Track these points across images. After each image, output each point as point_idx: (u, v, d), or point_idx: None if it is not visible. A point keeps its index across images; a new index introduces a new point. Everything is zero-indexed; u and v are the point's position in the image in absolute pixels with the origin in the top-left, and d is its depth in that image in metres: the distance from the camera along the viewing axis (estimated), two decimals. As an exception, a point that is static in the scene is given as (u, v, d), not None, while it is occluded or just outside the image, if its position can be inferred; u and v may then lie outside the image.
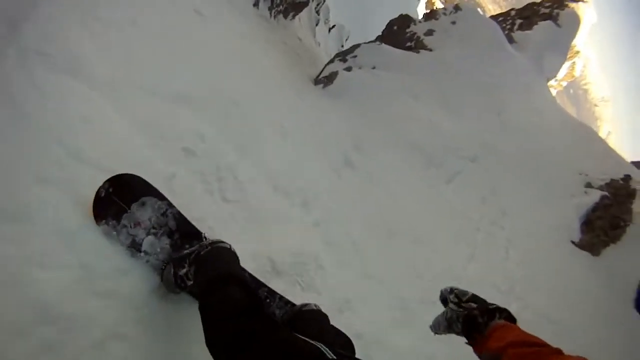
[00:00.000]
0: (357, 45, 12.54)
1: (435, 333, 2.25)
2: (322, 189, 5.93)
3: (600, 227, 9.62)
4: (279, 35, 13.43)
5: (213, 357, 1.98)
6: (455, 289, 2.17)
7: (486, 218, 8.32)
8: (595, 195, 10.10)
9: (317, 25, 20.06)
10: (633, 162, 12.84)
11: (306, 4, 16.26)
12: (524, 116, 11.68)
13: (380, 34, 14.53)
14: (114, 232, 2.55)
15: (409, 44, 13.14)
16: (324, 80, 11.07)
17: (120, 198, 2.59)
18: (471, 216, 8.18)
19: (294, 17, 16.05)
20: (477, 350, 1.92)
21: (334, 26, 25.12)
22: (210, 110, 4.81)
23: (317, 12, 19.80)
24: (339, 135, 8.16)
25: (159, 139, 3.62)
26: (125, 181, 2.63)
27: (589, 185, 10.47)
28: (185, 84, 4.65)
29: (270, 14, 14.05)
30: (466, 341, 2.03)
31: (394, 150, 8.68)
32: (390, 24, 14.51)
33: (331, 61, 12.38)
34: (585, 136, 12.46)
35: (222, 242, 2.64)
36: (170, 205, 2.79)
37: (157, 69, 4.41)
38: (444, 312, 2.20)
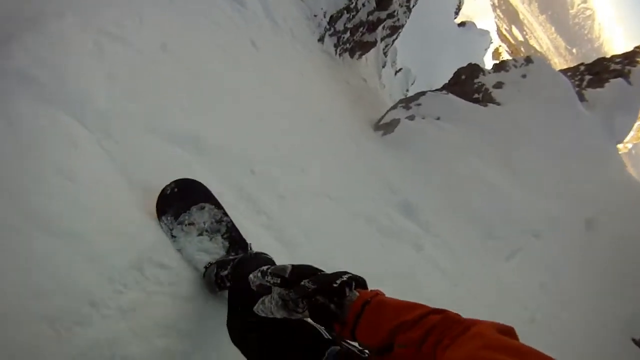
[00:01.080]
0: (423, 93, 11.72)
1: (267, 316, 1.71)
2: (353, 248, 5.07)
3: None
4: (342, 74, 12.87)
5: (231, 337, 2.13)
6: (267, 269, 1.72)
7: (543, 309, 7.19)
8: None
9: (383, 67, 19.36)
10: None
11: (374, 45, 15.53)
12: (594, 189, 10.40)
13: (446, 82, 13.62)
14: (170, 228, 2.75)
15: (476, 95, 12.08)
16: (385, 127, 10.30)
17: (182, 198, 2.82)
18: (527, 305, 7.06)
19: (360, 56, 15.39)
20: (346, 338, 1.58)
21: (400, 69, 24.38)
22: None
23: (385, 54, 19.09)
24: (390, 190, 7.47)
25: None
26: (189, 184, 2.88)
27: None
28: (211, 132, 4.15)
29: (336, 51, 13.37)
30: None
31: (450, 216, 7.77)
32: (458, 72, 13.55)
33: (394, 107, 11.60)
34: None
35: (266, 254, 2.63)
36: (225, 214, 2.95)
37: (186, 111, 4.00)
38: (272, 299, 1.68)
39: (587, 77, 16.19)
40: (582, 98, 14.04)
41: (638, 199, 11.05)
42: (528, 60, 13.08)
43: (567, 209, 9.24)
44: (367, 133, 9.94)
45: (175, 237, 2.74)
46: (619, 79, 15.65)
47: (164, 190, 2.73)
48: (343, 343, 1.81)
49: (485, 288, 6.75)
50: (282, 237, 3.87)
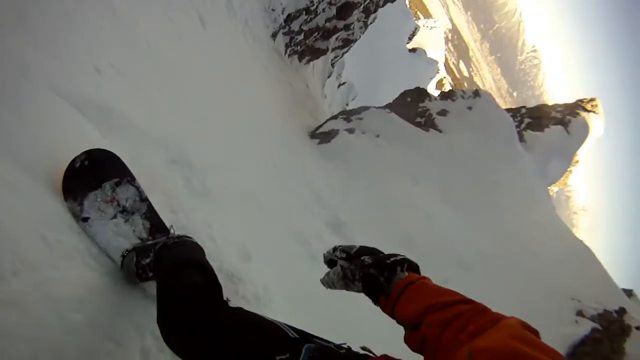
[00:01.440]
0: (366, 108, 11.36)
1: (328, 288, 1.81)
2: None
3: (588, 365, 8.00)
4: (288, 76, 12.44)
5: (165, 339, 1.91)
6: (339, 246, 1.80)
7: None
8: (585, 327, 8.45)
9: (328, 77, 19.08)
10: (623, 290, 11.31)
11: (324, 53, 15.18)
12: (524, 226, 10.20)
13: (390, 101, 13.19)
14: (79, 209, 2.30)
15: (419, 119, 11.82)
16: (322, 136, 9.77)
17: (94, 173, 2.40)
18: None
19: (308, 62, 15.00)
20: (387, 313, 1.56)
21: (344, 83, 24.23)
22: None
23: (332, 65, 18.84)
24: (320, 203, 7.01)
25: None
26: (103, 156, 2.47)
27: (580, 313, 8.86)
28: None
29: (286, 51, 12.89)
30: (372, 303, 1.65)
31: (379, 237, 7.21)
32: (404, 94, 13.36)
33: (334, 117, 11.20)
34: (583, 257, 10.78)
35: (189, 236, 2.47)
36: (143, 192, 2.60)
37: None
38: (335, 270, 1.76)
39: (527, 120, 16.58)
40: (521, 138, 14.10)
41: (562, 237, 11.21)
42: (476, 93, 12.97)
43: (497, 245, 8.92)
44: (303, 139, 9.48)
45: (86, 219, 2.29)
46: (559, 127, 16.30)
47: (72, 162, 2.28)
48: (316, 340, 1.74)
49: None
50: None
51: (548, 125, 16.30)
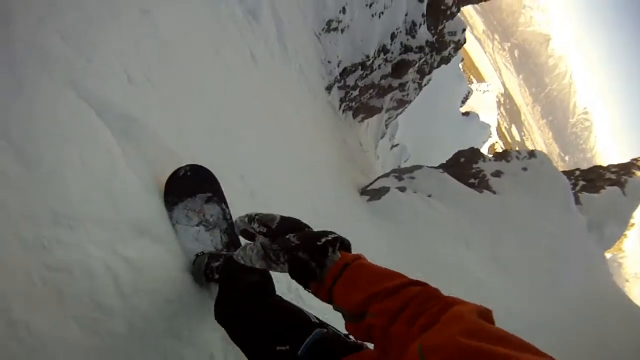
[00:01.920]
0: (419, 167, 11.08)
1: (245, 264, 1.64)
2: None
3: None
4: (341, 131, 12.30)
5: (216, 315, 2.17)
6: (255, 215, 1.60)
7: None
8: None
9: (382, 137, 18.89)
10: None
11: (379, 111, 15.12)
12: (581, 294, 9.53)
13: (444, 162, 12.86)
14: (172, 209, 2.64)
15: (472, 180, 11.42)
16: (372, 193, 9.52)
17: (192, 184, 2.71)
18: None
19: (362, 119, 14.92)
20: (321, 299, 1.43)
21: (397, 145, 24.00)
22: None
23: (386, 125, 18.72)
24: (369, 258, 6.39)
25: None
26: (203, 172, 2.78)
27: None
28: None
29: (340, 105, 12.80)
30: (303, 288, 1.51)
31: None
32: (458, 154, 12.94)
33: (386, 175, 10.93)
34: (644, 327, 10.01)
35: None
36: (229, 212, 2.87)
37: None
38: (254, 247, 1.60)
39: (581, 183, 15.78)
40: (577, 201, 13.40)
41: (624, 309, 10.29)
42: (531, 154, 12.46)
43: (547, 313, 8.30)
44: (353, 195, 9.18)
45: (175, 219, 2.64)
46: (615, 187, 15.33)
47: (177, 171, 2.62)
48: (330, 326, 1.82)
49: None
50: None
51: (603, 187, 15.40)
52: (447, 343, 0.92)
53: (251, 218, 1.60)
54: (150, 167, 2.66)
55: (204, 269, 2.51)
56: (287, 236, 1.51)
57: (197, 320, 2.42)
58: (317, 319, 1.86)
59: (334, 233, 1.48)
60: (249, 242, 1.65)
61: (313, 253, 1.42)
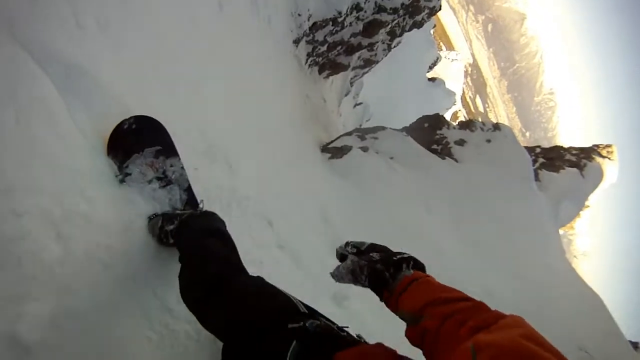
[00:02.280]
0: (382, 128, 10.86)
1: (338, 282, 1.86)
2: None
3: None
4: (305, 86, 11.91)
5: (185, 300, 2.10)
6: (351, 241, 1.92)
7: None
8: (592, 380, 7.87)
9: (346, 95, 18.56)
10: (630, 342, 10.69)
11: (345, 69, 14.77)
12: (534, 268, 9.55)
13: (407, 125, 12.65)
14: (120, 166, 2.47)
15: (435, 146, 11.41)
16: (333, 151, 9.27)
17: (138, 137, 2.53)
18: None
19: (328, 76, 14.50)
20: (390, 308, 1.65)
21: (360, 103, 23.81)
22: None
23: (351, 83, 18.34)
24: (325, 220, 6.48)
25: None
26: (151, 124, 2.61)
27: (588, 365, 8.25)
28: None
29: (307, 60, 12.35)
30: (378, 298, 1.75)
31: None
32: (422, 119, 12.92)
33: (348, 133, 10.75)
34: (591, 305, 10.14)
35: (214, 212, 2.55)
36: (179, 162, 2.71)
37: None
38: (345, 264, 1.82)
39: (541, 160, 15.98)
40: (536, 177, 13.52)
41: (572, 283, 10.56)
42: (496, 126, 12.49)
43: (505, 284, 8.27)
44: (314, 152, 8.94)
45: (128, 175, 2.46)
46: (574, 169, 15.69)
47: (121, 123, 2.47)
48: (321, 319, 1.84)
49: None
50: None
51: (563, 167, 15.65)
52: (506, 341, 1.00)
53: (347, 243, 1.90)
54: (99, 122, 2.46)
55: (157, 233, 2.45)
56: (372, 254, 1.75)
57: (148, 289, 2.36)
58: (307, 307, 1.90)
59: (409, 253, 1.73)
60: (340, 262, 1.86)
61: (389, 266, 1.66)
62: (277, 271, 4.49)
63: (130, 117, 2.49)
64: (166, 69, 3.82)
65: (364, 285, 1.75)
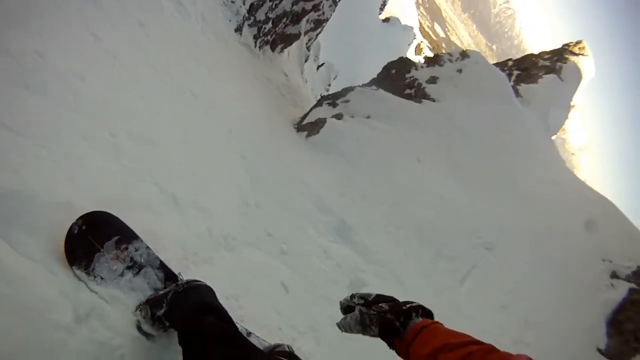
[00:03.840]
0: (351, 89, 10.47)
1: (345, 332, 1.97)
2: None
3: (631, 330, 7.25)
4: (262, 69, 11.63)
5: None
6: (356, 293, 2.00)
7: (508, 334, 6.15)
8: (622, 289, 7.77)
9: (306, 61, 18.43)
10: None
11: (297, 37, 14.41)
12: (540, 187, 9.34)
13: (374, 77, 12.39)
14: (88, 272, 2.35)
15: (408, 91, 11.02)
16: (309, 127, 8.99)
17: (93, 237, 2.42)
18: (491, 331, 5.95)
19: (282, 50, 14.20)
20: (402, 356, 1.74)
21: (323, 64, 23.56)
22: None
23: (308, 48, 18.18)
24: (319, 209, 6.27)
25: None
26: (98, 219, 2.49)
27: (614, 275, 8.12)
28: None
29: (255, 43, 12.05)
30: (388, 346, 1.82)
31: (392, 236, 6.56)
32: (388, 67, 12.45)
33: (319, 104, 10.35)
34: (606, 212, 9.90)
35: (198, 280, 2.57)
36: (142, 243, 2.63)
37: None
38: (353, 315, 1.93)
39: (516, 72, 16.00)
40: (517, 93, 13.37)
41: (580, 193, 10.29)
42: (464, 54, 12.10)
43: (515, 215, 8.15)
44: (290, 135, 8.68)
45: (99, 278, 2.38)
46: (552, 75, 15.60)
47: (70, 229, 2.32)
48: None
49: (444, 320, 5.44)
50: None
51: (540, 75, 15.60)
52: None
53: (352, 296, 1.96)
54: (48, 238, 2.28)
55: (151, 322, 2.36)
56: (380, 304, 1.84)
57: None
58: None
59: (418, 303, 1.80)
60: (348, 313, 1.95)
61: (399, 315, 1.74)
62: (287, 278, 4.47)
63: (77, 220, 2.37)
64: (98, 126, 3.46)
65: (373, 335, 1.85)
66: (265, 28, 12.19)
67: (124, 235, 2.57)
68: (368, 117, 9.17)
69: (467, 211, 7.57)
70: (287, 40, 13.86)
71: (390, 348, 1.78)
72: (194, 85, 6.12)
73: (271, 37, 12.89)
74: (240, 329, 2.74)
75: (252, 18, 11.44)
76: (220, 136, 5.88)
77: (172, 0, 7.51)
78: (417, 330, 1.65)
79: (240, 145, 6.15)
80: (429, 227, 6.92)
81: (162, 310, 2.34)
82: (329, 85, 23.17)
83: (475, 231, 7.30)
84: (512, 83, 14.34)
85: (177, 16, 7.50)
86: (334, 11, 16.14)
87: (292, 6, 12.72)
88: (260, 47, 12.35)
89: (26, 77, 2.97)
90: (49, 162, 2.67)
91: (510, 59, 17.06)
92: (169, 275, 2.68)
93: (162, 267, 2.67)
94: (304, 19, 13.95)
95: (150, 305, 2.39)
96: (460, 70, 11.50)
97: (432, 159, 8.48)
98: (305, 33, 15.64)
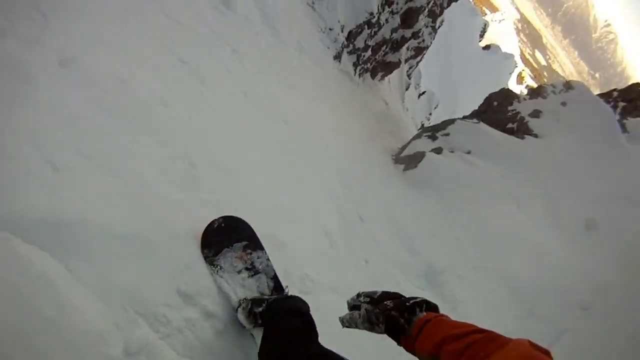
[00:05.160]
0: (451, 121, 10.04)
1: (346, 327, 1.99)
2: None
3: None
4: (362, 97, 11.37)
5: None
6: (362, 292, 2.00)
7: None
8: None
9: (407, 89, 17.93)
10: None
11: (397, 65, 14.12)
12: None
13: (476, 108, 11.86)
14: (213, 258, 2.71)
15: (510, 125, 10.37)
16: (407, 160, 8.63)
17: (227, 234, 2.80)
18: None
19: (382, 77, 13.94)
20: (409, 350, 1.72)
21: (424, 92, 23.12)
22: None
23: (409, 76, 17.82)
24: (410, 250, 5.93)
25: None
26: (235, 222, 2.88)
27: None
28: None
29: (355, 71, 11.79)
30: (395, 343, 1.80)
31: (482, 286, 6.05)
32: (490, 98, 11.81)
33: (418, 136, 9.99)
34: None
35: (299, 297, 2.64)
36: (265, 254, 2.92)
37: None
38: (360, 313, 1.91)
39: (621, 104, 14.41)
40: (623, 129, 12.21)
41: None
42: (568, 86, 11.31)
43: (617, 271, 7.15)
44: (385, 166, 8.33)
45: (220, 268, 2.71)
46: None
47: (212, 223, 2.75)
48: None
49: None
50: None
51: None
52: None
53: (358, 294, 1.95)
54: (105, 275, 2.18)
55: (247, 314, 2.54)
56: (385, 302, 1.81)
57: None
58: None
59: (422, 297, 1.76)
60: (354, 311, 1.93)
61: (403, 312, 1.71)
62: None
63: (219, 218, 2.78)
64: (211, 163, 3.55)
65: (380, 332, 1.82)
66: (364, 56, 11.99)
67: (253, 242, 2.90)
68: (468, 152, 8.72)
69: (564, 265, 6.88)
70: (387, 67, 13.60)
71: (398, 345, 1.77)
72: (288, 113, 5.98)
73: (371, 64, 12.69)
74: None
75: (350, 45, 11.26)
76: (312, 164, 5.67)
77: (268, 26, 7.38)
78: (421, 325, 1.64)
79: (332, 177, 5.92)
80: (522, 279, 6.33)
81: (260, 309, 2.49)
82: (430, 114, 22.77)
83: (570, 288, 6.57)
84: (617, 116, 13.28)
85: (273, 42, 7.37)
86: (434, 38, 15.85)
87: (392, 34, 12.46)
88: (360, 75, 12.14)
89: (107, 101, 2.92)
90: (119, 190, 2.57)
91: (615, 89, 15.07)
92: (278, 288, 2.88)
93: (275, 279, 2.90)
94: (404, 47, 13.64)
95: (252, 302, 2.57)
96: (564, 104, 10.75)
97: (532, 204, 7.87)
98: (406, 61, 15.36)
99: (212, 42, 5.30)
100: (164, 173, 2.94)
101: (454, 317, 4.45)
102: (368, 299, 1.89)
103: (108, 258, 2.15)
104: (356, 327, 1.89)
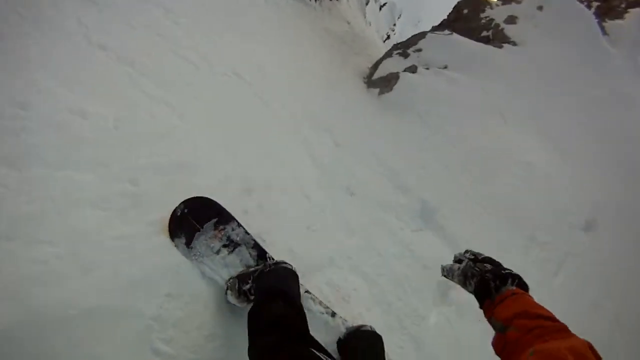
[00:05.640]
0: (422, 35, 9.26)
1: (444, 276, 2.09)
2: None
3: None
4: (320, 22, 10.59)
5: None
6: (470, 250, 2.08)
7: (598, 334, 5.01)
8: None
9: (367, 4, 17.41)
10: None
11: (355, -19, 13.14)
12: (635, 145, 7.93)
13: (445, 18, 11.08)
14: (188, 247, 2.66)
15: (485, 33, 9.74)
16: (380, 83, 7.95)
17: (194, 218, 2.72)
18: (580, 332, 4.77)
19: (340, -3, 12.99)
20: (486, 315, 1.81)
21: (385, 4, 22.59)
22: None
23: (368, -10, 16.97)
24: (400, 190, 5.42)
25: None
26: (199, 203, 2.78)
27: None
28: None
29: (310, -5, 10.86)
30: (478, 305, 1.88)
31: (481, 213, 5.58)
32: (459, 6, 11.08)
33: (389, 55, 9.20)
34: None
35: (285, 262, 2.66)
36: (238, 224, 2.86)
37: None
38: (460, 265, 2.02)
39: (595, 4, 13.60)
40: (603, 31, 11.53)
41: None
42: (543, -13, 10.53)
43: (618, 186, 6.97)
44: (360, 94, 7.72)
45: (198, 254, 2.67)
46: (638, 9, 12.94)
47: (174, 211, 2.68)
48: None
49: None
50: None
51: (624, 9, 12.87)
52: (553, 350, 1.27)
53: (466, 251, 2.04)
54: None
55: (237, 295, 2.58)
56: (485, 264, 1.91)
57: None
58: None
59: (518, 273, 1.82)
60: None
61: (496, 278, 1.79)
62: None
63: (180, 204, 2.68)
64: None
65: (469, 291, 1.90)
66: (317, -21, 11.10)
67: (222, 217, 2.81)
68: (445, 67, 8.07)
69: (558, 183, 6.46)
70: (344, -15, 12.77)
71: (480, 307, 1.81)
72: (244, 68, 5.41)
73: (326, -14, 11.80)
74: (323, 309, 2.94)
75: (303, -35, 10.34)
76: (282, 122, 5.27)
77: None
78: (506, 296, 1.68)
79: (304, 127, 5.49)
80: (519, 205, 5.88)
81: (248, 286, 2.53)
82: (394, 25, 22.28)
83: (569, 208, 6.22)
84: (598, 19, 12.62)
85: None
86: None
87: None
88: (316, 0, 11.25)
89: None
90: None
91: (585, -13, 14.97)
92: (262, 254, 2.85)
93: (256, 246, 2.85)
94: (361, -38, 12.83)
95: (239, 279, 2.62)
96: (540, 7, 10.08)
97: (517, 116, 7.33)
98: (363, -26, 14.59)
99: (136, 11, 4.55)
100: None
101: (456, 241, 4.04)
102: (472, 257, 1.97)
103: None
104: (452, 278, 1.99)
